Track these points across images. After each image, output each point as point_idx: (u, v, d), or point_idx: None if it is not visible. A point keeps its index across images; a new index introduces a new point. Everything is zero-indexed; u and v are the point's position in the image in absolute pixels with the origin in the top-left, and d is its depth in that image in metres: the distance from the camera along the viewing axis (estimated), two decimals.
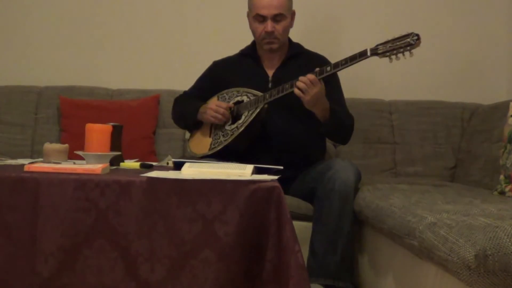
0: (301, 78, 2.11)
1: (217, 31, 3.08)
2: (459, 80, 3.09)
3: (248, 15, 2.42)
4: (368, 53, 2.04)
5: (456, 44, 3.09)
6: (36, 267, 1.46)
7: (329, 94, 2.29)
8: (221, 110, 2.29)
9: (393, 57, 2.00)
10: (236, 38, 2.62)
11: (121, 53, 3.11)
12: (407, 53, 1.97)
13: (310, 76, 2.10)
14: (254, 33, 2.40)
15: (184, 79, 2.70)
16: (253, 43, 2.48)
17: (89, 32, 3.10)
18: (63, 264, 1.46)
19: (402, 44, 1.97)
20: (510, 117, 2.10)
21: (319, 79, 2.11)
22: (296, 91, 2.12)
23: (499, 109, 2.56)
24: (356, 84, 2.89)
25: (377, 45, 2.04)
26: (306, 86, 2.09)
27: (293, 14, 2.41)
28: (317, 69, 2.13)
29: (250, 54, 2.47)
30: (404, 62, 2.05)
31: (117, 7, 3.11)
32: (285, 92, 2.19)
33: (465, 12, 3.09)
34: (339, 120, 2.26)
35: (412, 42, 1.95)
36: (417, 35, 1.95)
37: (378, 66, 2.33)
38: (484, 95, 2.97)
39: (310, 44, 2.56)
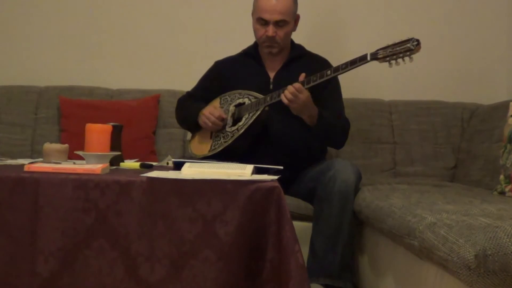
0: (288, 87, 2.13)
1: (218, 31, 3.08)
2: (459, 80, 3.08)
3: (252, 14, 2.41)
4: (368, 58, 2.05)
5: (456, 44, 3.09)
6: (36, 267, 1.46)
7: (326, 98, 2.29)
8: (212, 119, 2.31)
9: (393, 62, 2.01)
10: (236, 38, 2.62)
11: (121, 53, 3.11)
12: (406, 58, 1.97)
13: (296, 84, 2.13)
14: (255, 34, 2.40)
15: (184, 79, 2.69)
16: (256, 44, 2.47)
17: (89, 32, 3.10)
18: (63, 264, 1.46)
19: (402, 50, 1.97)
20: (510, 117, 2.10)
21: (306, 88, 2.14)
22: (284, 100, 2.14)
23: (499, 109, 2.56)
24: (356, 84, 2.89)
25: (377, 50, 2.04)
26: (292, 96, 2.12)
27: (297, 18, 2.40)
28: (303, 76, 2.15)
29: (252, 54, 2.47)
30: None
31: (117, 7, 3.11)
32: None
33: (465, 12, 3.09)
34: (328, 125, 2.25)
35: (412, 47, 1.95)
36: (417, 40, 1.94)
37: (378, 66, 2.31)
38: (484, 95, 2.97)
39: (313, 46, 2.56)
